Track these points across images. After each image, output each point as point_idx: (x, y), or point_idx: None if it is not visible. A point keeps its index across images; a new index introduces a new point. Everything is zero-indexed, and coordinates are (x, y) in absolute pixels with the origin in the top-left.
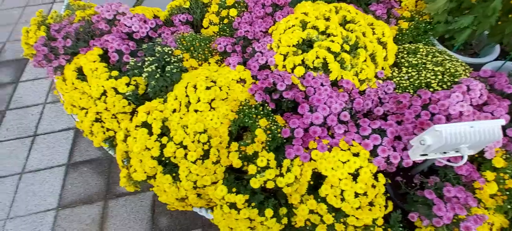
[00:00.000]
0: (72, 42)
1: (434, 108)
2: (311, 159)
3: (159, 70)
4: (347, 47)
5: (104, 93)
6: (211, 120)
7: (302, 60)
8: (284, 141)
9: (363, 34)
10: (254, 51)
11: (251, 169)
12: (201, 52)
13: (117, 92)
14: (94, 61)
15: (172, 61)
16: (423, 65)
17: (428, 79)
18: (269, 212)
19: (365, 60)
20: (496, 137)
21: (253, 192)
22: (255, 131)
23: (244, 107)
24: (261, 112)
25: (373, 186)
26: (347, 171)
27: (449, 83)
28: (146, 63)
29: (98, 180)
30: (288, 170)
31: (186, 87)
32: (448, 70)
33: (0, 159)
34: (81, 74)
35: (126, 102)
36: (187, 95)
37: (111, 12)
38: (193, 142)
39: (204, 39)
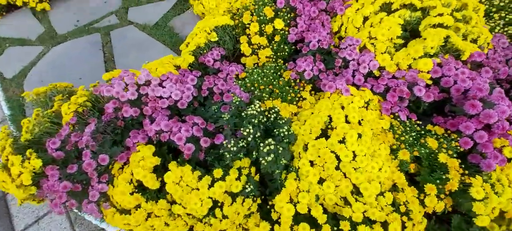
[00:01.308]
0: (109, 157)
1: None
2: (509, 160)
3: (272, 141)
4: (458, 15)
5: (215, 203)
6: (380, 170)
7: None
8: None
9: None
10: (346, 61)
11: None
12: (291, 91)
13: (232, 195)
14: (154, 169)
15: (271, 118)
16: None
17: None
18: None
19: (476, 22)
20: None
21: None
22: (439, 158)
23: (403, 136)
24: (420, 133)
25: None
26: None
27: None
28: (248, 138)
29: None
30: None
31: (327, 147)
32: None
33: None
34: (141, 189)
35: (250, 201)
36: (337, 157)
37: (132, 90)
38: (382, 210)
39: (276, 71)
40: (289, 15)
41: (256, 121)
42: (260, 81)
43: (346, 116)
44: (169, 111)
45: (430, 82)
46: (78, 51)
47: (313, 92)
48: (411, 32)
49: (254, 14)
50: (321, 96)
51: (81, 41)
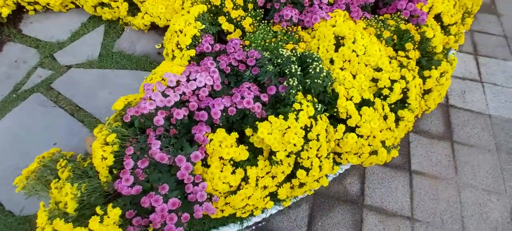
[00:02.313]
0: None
1: None
2: (427, 13)
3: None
4: None
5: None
6: (380, 50)
7: None
8: None
9: None
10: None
11: None
12: (294, 34)
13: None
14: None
15: (298, 55)
16: None
17: None
18: None
19: None
20: None
21: None
22: (402, 26)
23: (378, 25)
24: (382, 20)
25: None
26: None
27: None
28: (297, 73)
29: None
30: None
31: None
32: None
33: None
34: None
35: (324, 116)
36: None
37: (172, 93)
38: (395, 70)
39: (266, 30)
40: None
41: (293, 59)
42: (267, 36)
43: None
44: (210, 97)
45: None
46: (23, 122)
47: (304, 30)
48: None
49: None
50: (309, 31)
51: (20, 111)
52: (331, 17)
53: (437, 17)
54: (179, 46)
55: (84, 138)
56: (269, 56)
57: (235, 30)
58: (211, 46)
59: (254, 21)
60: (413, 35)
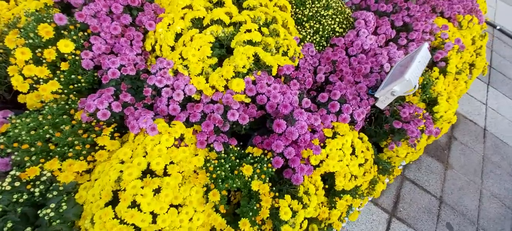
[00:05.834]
0: None
1: (353, 50)
2: (315, 167)
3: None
4: (266, 31)
5: None
6: (191, 220)
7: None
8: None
9: (262, 5)
10: (158, 90)
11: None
12: (77, 143)
13: None
14: None
15: (36, 193)
16: (319, 14)
17: (333, 26)
18: None
19: (285, 35)
20: (429, 56)
21: None
22: (252, 186)
23: (216, 173)
24: (236, 162)
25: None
26: (348, 152)
27: (345, 22)
28: None
29: None
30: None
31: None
32: (338, 10)
33: None
34: None
35: None
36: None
37: None
38: None
39: (65, 112)
40: (83, 34)
41: (8, 206)
42: (28, 138)
43: (149, 164)
44: None
45: (248, 100)
46: None
47: (117, 135)
48: (227, 49)
49: (21, 35)
50: (124, 138)
51: None
52: (158, 133)
53: (330, 175)
54: None
55: None
56: None
57: (29, 91)
58: None
59: (61, 89)
60: (259, 208)
